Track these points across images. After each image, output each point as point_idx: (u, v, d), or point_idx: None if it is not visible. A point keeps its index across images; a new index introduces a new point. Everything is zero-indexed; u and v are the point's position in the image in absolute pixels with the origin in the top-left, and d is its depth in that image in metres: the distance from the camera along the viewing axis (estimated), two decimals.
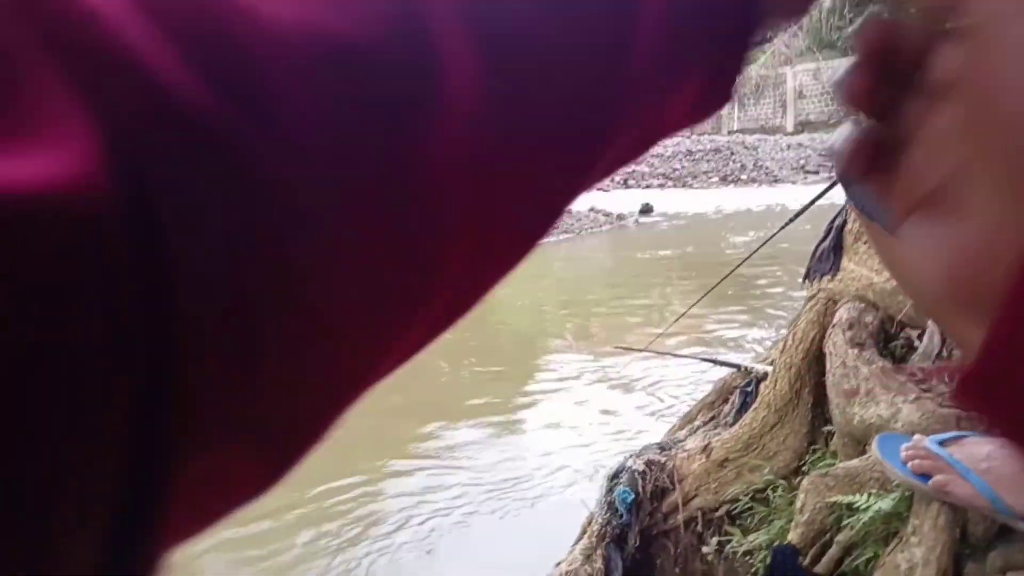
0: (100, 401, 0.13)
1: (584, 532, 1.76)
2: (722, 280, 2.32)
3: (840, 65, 0.21)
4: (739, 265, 2.30)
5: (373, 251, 0.18)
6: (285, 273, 0.16)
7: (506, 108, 0.20)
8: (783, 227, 1.89)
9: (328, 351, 0.18)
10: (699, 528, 1.65)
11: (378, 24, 0.17)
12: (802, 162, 14.12)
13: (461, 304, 0.22)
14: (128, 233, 0.14)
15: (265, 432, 0.18)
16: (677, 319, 2.65)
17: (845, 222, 1.71)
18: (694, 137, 16.94)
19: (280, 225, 0.16)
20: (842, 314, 1.57)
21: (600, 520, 1.68)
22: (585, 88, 0.21)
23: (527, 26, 0.20)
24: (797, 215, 1.83)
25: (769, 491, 1.58)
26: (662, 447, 1.83)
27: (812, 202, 1.78)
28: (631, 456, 1.78)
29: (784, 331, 1.98)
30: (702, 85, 0.24)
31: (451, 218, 0.19)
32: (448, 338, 0.23)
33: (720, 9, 0.23)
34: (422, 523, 2.59)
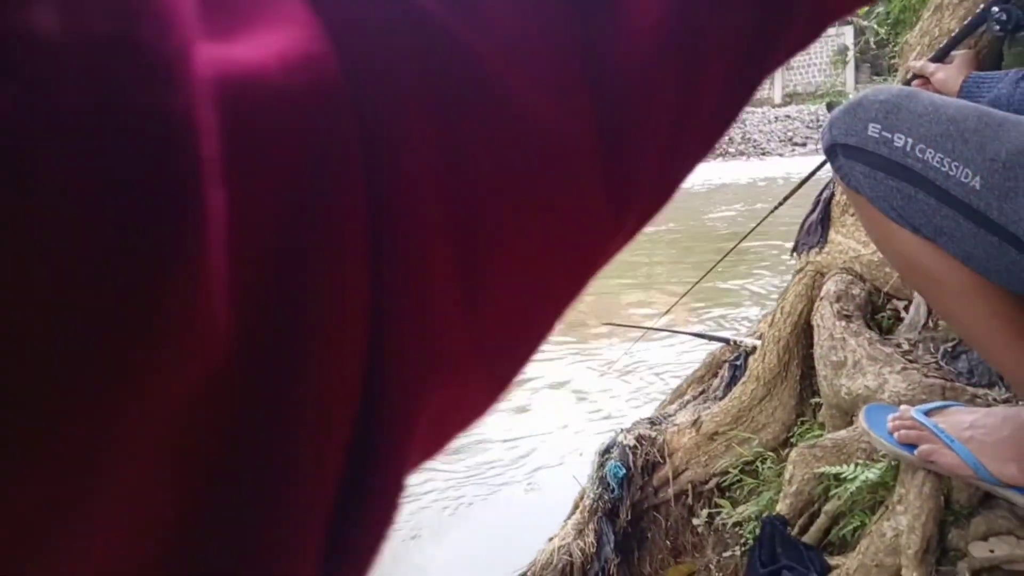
0: (350, 295, 0.14)
1: (576, 507, 1.78)
2: (723, 258, 2.32)
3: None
4: (739, 242, 2.29)
5: (583, 135, 0.18)
6: (499, 163, 0.16)
7: None
8: (778, 205, 1.89)
9: (545, 251, 0.18)
10: (689, 501, 1.67)
11: None
12: (790, 134, 14.11)
13: (662, 193, 0.22)
14: (356, 114, 0.14)
15: (491, 349, 0.18)
16: (681, 297, 2.64)
17: (832, 195, 1.71)
18: None
19: (494, 111, 0.16)
20: (829, 287, 1.58)
21: (592, 495, 1.70)
22: None
23: None
24: (792, 192, 1.83)
25: (758, 463, 1.60)
26: (652, 422, 1.84)
27: (807, 178, 1.78)
28: (622, 431, 1.79)
29: (770, 305, 1.99)
30: None
31: (650, 97, 0.19)
32: None
33: None
34: (405, 509, 2.58)
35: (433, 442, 0.18)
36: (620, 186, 0.19)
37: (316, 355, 0.13)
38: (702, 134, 0.22)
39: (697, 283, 2.49)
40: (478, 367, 0.18)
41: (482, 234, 0.16)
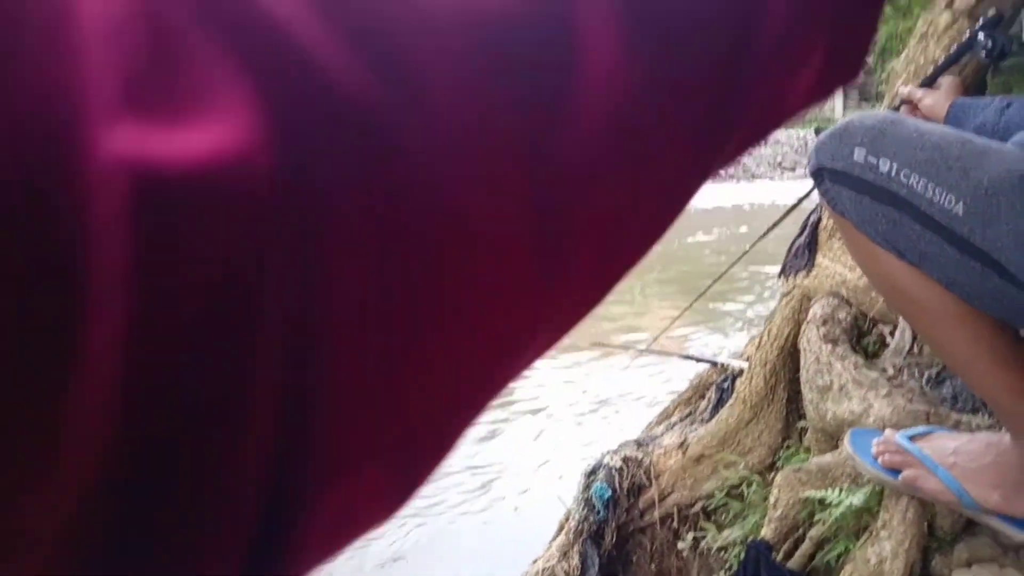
0: (254, 392, 0.13)
1: (561, 529, 1.76)
2: (713, 283, 2.33)
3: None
4: (731, 267, 2.29)
5: (518, 231, 0.17)
6: (430, 262, 0.16)
7: (644, 75, 0.19)
8: (770, 229, 1.89)
9: (470, 346, 0.18)
10: (675, 524, 1.66)
11: None
12: (779, 158, 14.23)
13: (600, 286, 0.22)
14: (289, 212, 0.13)
15: (401, 449, 0.17)
16: (675, 320, 2.64)
17: (820, 219, 1.72)
18: None
19: (430, 209, 0.16)
20: (816, 310, 1.59)
21: (577, 517, 1.68)
22: (721, 56, 0.21)
23: None
24: (783, 217, 1.84)
25: (744, 486, 1.59)
26: (639, 443, 1.83)
27: (796, 204, 1.79)
28: (608, 452, 1.78)
29: (756, 329, 1.99)
30: (828, 56, 0.24)
31: (591, 195, 0.19)
32: None
33: None
34: (388, 530, 2.55)
35: (337, 539, 0.17)
36: (554, 283, 0.19)
37: (218, 455, 0.13)
38: (644, 230, 0.22)
39: (692, 304, 2.50)
40: (390, 460, 0.17)
41: (405, 329, 0.16)
